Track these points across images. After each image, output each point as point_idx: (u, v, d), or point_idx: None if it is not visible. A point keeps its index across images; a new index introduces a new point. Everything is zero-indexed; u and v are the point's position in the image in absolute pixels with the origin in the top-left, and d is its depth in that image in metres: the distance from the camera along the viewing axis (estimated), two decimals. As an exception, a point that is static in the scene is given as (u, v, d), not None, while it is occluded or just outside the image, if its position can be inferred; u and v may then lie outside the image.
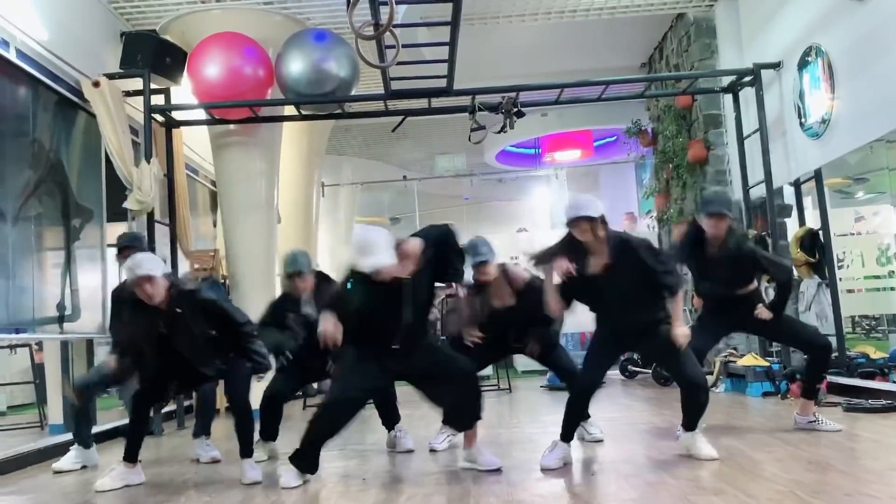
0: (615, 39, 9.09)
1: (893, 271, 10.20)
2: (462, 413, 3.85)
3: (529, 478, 3.62)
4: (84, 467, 4.51)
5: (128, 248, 4.57)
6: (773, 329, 4.54)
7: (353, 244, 3.63)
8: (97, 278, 6.28)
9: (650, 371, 8.35)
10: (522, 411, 6.43)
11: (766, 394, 6.12)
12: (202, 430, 4.74)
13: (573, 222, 3.68)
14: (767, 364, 6.27)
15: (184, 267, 7.30)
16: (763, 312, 4.40)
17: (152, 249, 6.50)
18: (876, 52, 5.33)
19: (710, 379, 6.99)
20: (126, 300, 4.03)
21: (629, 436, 4.64)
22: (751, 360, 6.50)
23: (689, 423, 3.84)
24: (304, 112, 6.99)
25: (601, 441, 4.46)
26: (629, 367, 8.77)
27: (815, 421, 4.38)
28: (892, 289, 9.43)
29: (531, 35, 8.78)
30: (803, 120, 6.39)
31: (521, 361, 10.34)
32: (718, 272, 4.37)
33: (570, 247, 3.74)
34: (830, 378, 5.73)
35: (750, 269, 4.45)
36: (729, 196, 4.29)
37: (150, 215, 6.45)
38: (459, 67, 6.32)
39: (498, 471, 3.72)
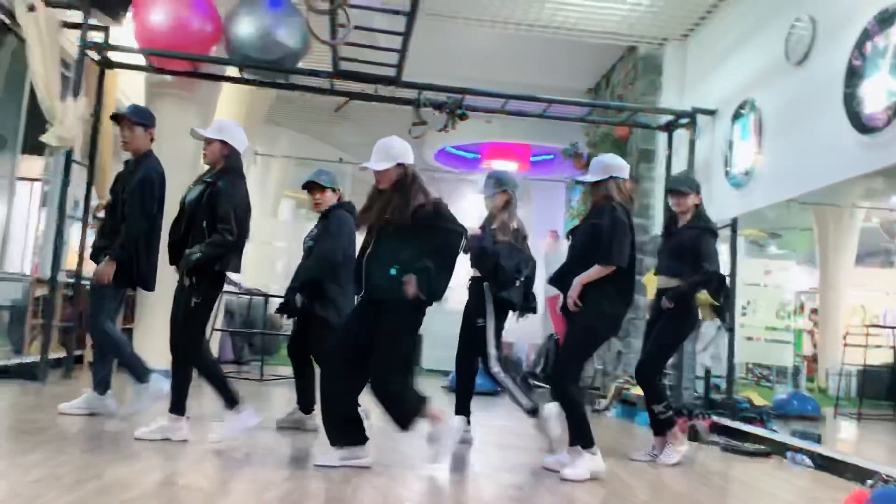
0: (568, 60, 9.24)
1: (790, 326, 10.70)
2: None
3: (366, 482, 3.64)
4: None
5: None
6: (657, 327, 4.60)
7: None
8: (2, 211, 5.99)
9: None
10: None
11: (653, 424, 6.30)
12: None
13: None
14: (659, 396, 6.46)
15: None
16: (664, 302, 4.49)
17: (66, 189, 6.25)
18: (804, 116, 5.58)
19: (604, 402, 7.19)
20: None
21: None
22: (644, 389, 6.70)
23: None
24: (246, 76, 6.84)
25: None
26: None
27: (652, 452, 4.54)
28: (787, 342, 9.87)
29: (488, 41, 8.83)
30: (729, 168, 6.64)
31: (430, 356, 10.20)
32: (668, 249, 4.59)
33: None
34: (715, 418, 5.98)
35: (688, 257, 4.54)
36: (693, 178, 4.54)
37: (69, 154, 6.18)
38: (411, 60, 6.31)
39: None
